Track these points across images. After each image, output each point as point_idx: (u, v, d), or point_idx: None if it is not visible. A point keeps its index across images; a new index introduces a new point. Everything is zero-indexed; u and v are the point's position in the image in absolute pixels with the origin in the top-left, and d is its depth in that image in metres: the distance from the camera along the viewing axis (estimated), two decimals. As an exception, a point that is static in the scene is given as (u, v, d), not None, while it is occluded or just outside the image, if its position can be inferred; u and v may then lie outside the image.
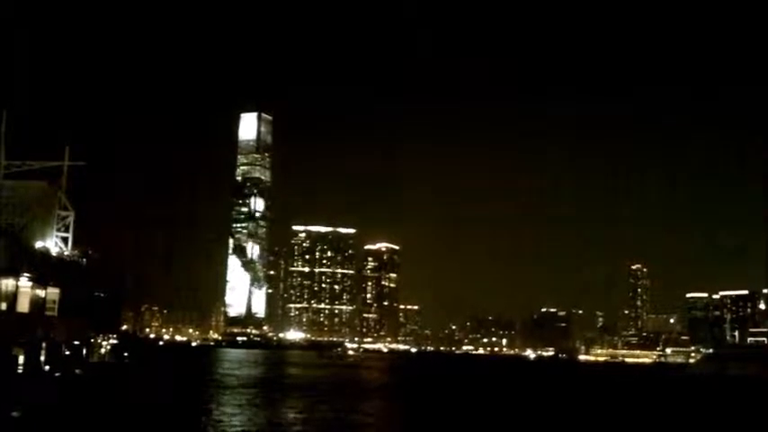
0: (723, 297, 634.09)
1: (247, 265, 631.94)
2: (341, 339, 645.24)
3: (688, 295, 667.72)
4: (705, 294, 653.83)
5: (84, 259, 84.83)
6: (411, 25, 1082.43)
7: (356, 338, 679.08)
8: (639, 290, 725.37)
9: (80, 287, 78.48)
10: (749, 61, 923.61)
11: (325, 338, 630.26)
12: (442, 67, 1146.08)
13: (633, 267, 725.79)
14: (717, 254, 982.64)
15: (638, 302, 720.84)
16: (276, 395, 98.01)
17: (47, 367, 69.12)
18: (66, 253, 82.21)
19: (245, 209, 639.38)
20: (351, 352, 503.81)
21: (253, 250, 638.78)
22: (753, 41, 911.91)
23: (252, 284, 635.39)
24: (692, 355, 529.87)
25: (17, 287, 66.12)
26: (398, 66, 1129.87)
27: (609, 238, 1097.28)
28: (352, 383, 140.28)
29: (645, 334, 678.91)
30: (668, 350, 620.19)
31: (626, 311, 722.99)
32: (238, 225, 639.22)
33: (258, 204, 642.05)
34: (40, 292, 71.38)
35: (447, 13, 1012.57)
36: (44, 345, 69.86)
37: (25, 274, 66.80)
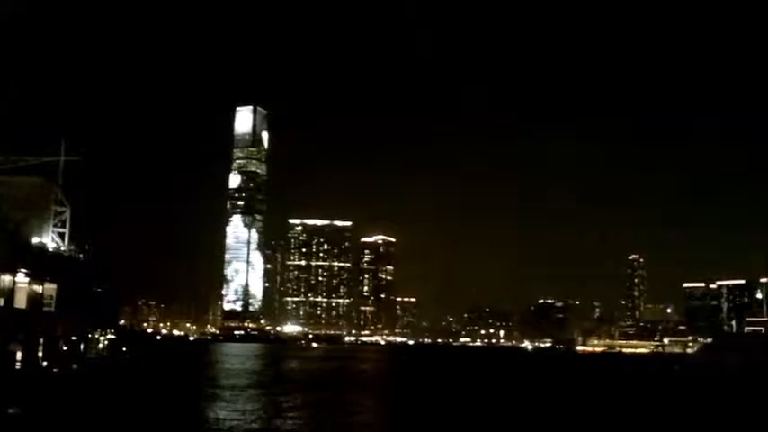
0: (720, 286, 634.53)
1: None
2: (337, 332, 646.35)
3: (685, 285, 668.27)
4: (702, 284, 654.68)
5: (81, 255, 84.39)
6: (411, 25, 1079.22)
7: (353, 331, 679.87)
8: (637, 280, 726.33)
9: (77, 282, 78.00)
10: (749, 58, 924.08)
11: (323, 331, 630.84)
12: (442, 67, 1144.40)
13: (630, 258, 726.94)
14: (714, 243, 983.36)
15: (636, 293, 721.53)
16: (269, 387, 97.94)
17: (44, 363, 68.68)
18: (62, 248, 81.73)
19: (241, 202, 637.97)
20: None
21: (249, 243, 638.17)
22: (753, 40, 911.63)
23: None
24: (690, 344, 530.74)
25: (14, 283, 65.67)
26: (398, 66, 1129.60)
27: (606, 229, 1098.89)
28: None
29: (642, 324, 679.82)
30: (666, 340, 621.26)
31: (623, 302, 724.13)
32: (235, 218, 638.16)
33: (254, 198, 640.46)
34: (38, 288, 70.93)
35: (447, 13, 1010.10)
36: (42, 340, 69.42)
37: (22, 270, 66.32)
